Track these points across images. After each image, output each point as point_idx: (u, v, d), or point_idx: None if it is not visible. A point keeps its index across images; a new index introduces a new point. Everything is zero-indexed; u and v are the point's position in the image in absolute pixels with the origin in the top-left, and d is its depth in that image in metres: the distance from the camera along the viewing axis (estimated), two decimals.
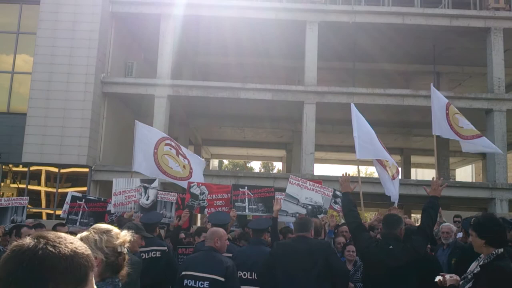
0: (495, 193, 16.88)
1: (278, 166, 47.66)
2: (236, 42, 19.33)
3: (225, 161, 52.26)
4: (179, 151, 9.08)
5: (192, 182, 8.46)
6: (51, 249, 1.22)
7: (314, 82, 17.63)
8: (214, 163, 43.01)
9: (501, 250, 3.52)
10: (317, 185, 7.56)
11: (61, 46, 16.74)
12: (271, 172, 45.75)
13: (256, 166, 54.23)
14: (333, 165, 36.52)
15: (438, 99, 8.38)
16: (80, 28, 16.87)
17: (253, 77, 20.99)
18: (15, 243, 1.26)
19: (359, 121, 8.07)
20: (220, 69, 22.22)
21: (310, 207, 7.13)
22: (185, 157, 9.11)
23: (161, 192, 8.28)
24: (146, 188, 7.95)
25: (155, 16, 17.88)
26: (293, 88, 18.15)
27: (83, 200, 8.65)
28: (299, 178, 7.61)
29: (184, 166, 9.01)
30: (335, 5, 18.22)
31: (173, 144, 9.14)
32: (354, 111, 8.17)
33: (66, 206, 9.07)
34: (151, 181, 8.16)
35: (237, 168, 47.18)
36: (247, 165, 51.85)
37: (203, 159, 9.78)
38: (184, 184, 8.95)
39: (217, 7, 17.79)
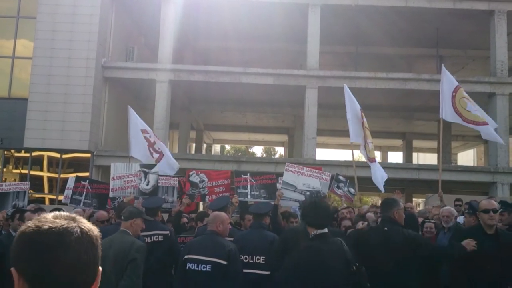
0: (496, 177, 16.89)
1: (280, 151, 47.68)
2: (237, 26, 19.19)
3: (227, 146, 52.28)
4: (154, 145, 9.08)
5: (191, 170, 8.42)
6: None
7: (316, 66, 17.53)
8: (216, 148, 43.02)
9: (321, 231, 3.85)
10: (314, 170, 7.56)
11: (62, 30, 16.64)
12: (273, 157, 45.79)
13: (258, 151, 54.28)
14: (335, 150, 36.51)
15: (448, 82, 8.23)
16: (80, 12, 16.75)
17: (255, 62, 20.87)
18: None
19: (352, 104, 7.92)
20: (221, 53, 22.10)
21: (308, 193, 7.12)
22: (157, 152, 9.11)
23: (162, 177, 8.26)
24: (146, 173, 7.95)
25: (156, 0, 17.73)
26: (295, 73, 18.05)
27: (87, 181, 8.70)
28: (295, 165, 7.59)
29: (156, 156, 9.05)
30: None
31: (150, 137, 9.14)
32: (348, 93, 8.00)
33: (67, 192, 9.11)
34: (151, 166, 8.15)
35: (239, 153, 47.22)
36: (249, 150, 51.87)
37: (177, 165, 9.58)
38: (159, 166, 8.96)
39: None
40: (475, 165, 31.91)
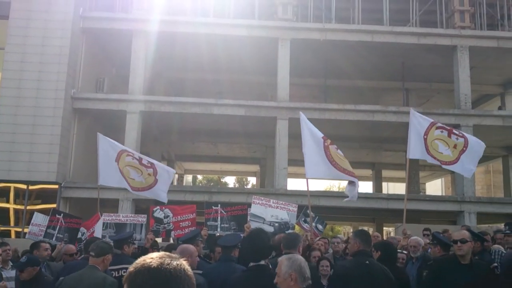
0: (463, 206, 17.24)
1: (252, 181, 47.65)
2: (211, 58, 19.38)
3: (199, 177, 51.93)
4: (142, 161, 8.72)
5: (155, 206, 8.28)
6: None
7: (287, 98, 17.80)
8: (188, 178, 42.69)
9: (256, 264, 4.08)
10: (281, 202, 7.65)
11: (31, 61, 16.50)
12: (245, 187, 45.68)
13: (230, 181, 54.09)
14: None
15: (417, 124, 8.31)
16: (50, 44, 16.68)
17: (228, 93, 21.04)
18: None
19: (309, 134, 7.21)
20: (196, 85, 22.21)
21: (277, 224, 7.17)
22: (149, 167, 8.67)
23: (130, 215, 8.29)
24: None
25: (127, 32, 17.81)
26: (265, 104, 18.27)
27: (62, 214, 8.57)
28: (262, 198, 7.64)
29: (149, 174, 8.52)
30: (306, 23, 18.47)
31: (134, 155, 8.85)
32: (304, 121, 7.27)
33: (31, 228, 8.88)
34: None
35: (211, 184, 46.94)
36: (221, 180, 51.65)
37: (173, 170, 9.46)
38: (149, 194, 8.62)
39: (192, 24, 17.79)
40: (443, 194, 32.54)
